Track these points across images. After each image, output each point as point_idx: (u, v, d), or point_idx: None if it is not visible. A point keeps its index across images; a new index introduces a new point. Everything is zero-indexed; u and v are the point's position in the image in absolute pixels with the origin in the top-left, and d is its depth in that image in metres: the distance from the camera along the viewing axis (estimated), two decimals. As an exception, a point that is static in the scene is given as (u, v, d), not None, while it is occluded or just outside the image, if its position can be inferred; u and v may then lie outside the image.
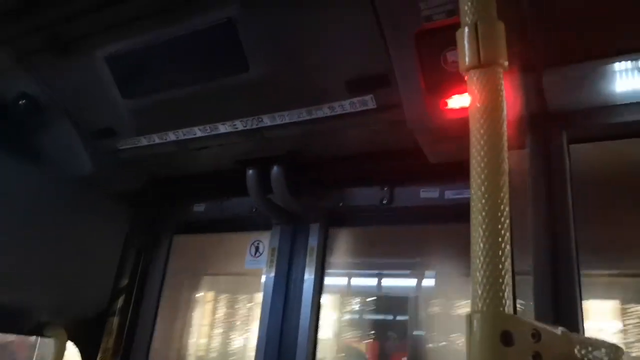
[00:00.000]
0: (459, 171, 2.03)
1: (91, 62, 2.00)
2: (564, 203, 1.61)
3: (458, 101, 1.55)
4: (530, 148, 1.70)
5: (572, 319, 1.42)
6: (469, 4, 0.83)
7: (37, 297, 2.30)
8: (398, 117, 1.73)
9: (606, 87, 1.64)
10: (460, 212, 2.12)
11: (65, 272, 2.38)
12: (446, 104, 1.57)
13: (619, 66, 1.59)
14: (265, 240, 2.60)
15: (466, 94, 1.51)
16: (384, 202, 2.26)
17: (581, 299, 1.49)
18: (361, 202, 2.34)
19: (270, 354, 2.27)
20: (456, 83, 1.52)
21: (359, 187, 2.35)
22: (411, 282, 2.46)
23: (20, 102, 2.23)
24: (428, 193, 2.18)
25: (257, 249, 2.62)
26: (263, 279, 2.50)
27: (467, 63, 0.84)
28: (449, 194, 2.14)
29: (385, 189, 2.27)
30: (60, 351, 2.39)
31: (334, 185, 2.39)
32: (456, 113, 1.57)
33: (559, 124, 1.72)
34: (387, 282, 2.57)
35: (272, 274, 2.41)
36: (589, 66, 1.59)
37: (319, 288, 2.34)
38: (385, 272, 2.50)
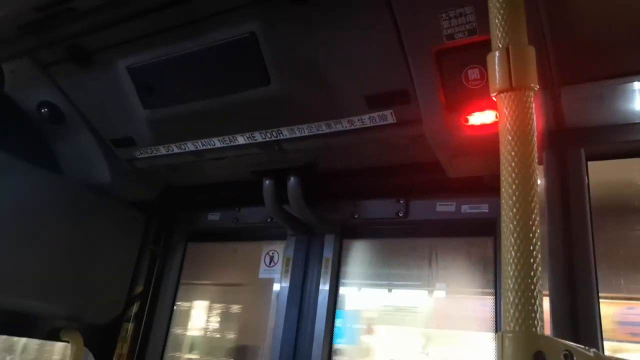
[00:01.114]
0: (475, 186, 2.06)
1: (113, 73, 2.04)
2: (583, 220, 1.62)
3: (479, 118, 1.56)
4: (546, 164, 1.71)
5: (592, 339, 1.42)
6: (501, 28, 0.85)
7: (53, 302, 2.33)
8: (417, 132, 1.75)
9: (624, 105, 1.65)
10: (476, 226, 2.16)
11: (81, 278, 2.41)
12: (467, 120, 1.58)
13: (637, 85, 1.60)
14: (280, 250, 2.61)
15: (487, 112, 1.53)
16: (400, 214, 2.28)
17: (600, 318, 1.49)
18: (377, 215, 2.36)
19: (285, 364, 2.28)
20: (477, 100, 1.54)
21: (375, 199, 2.36)
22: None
23: (42, 111, 2.27)
24: (444, 207, 2.19)
25: (271, 258, 2.64)
26: (277, 288, 2.52)
27: (498, 86, 0.86)
28: (466, 208, 2.15)
29: (402, 201, 2.29)
30: (77, 356, 2.42)
31: (350, 197, 2.41)
32: (477, 130, 1.58)
33: (577, 141, 1.73)
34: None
35: (287, 284, 2.43)
36: (607, 85, 1.60)
37: (334, 299, 2.36)
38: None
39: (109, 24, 1.88)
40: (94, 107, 2.26)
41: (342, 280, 2.43)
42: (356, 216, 2.39)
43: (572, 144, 1.72)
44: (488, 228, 2.12)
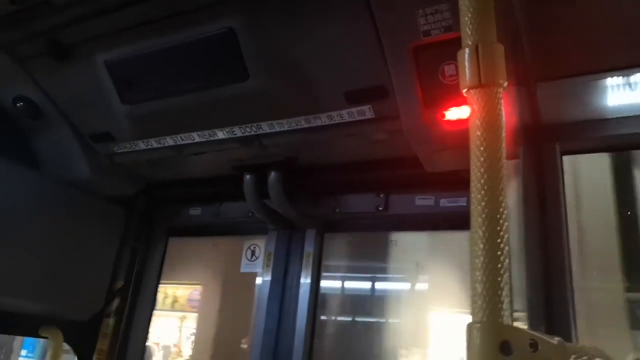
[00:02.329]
0: (454, 180, 2.09)
1: (91, 67, 2.02)
2: (558, 213, 1.65)
3: (455, 113, 1.58)
4: (523, 159, 1.74)
5: (565, 329, 1.46)
6: (470, 26, 0.86)
7: (32, 299, 2.31)
8: (395, 127, 1.77)
9: (598, 101, 1.69)
10: (455, 220, 2.19)
11: (61, 273, 2.39)
12: (443, 115, 1.60)
13: (611, 81, 1.64)
14: (261, 244, 2.62)
15: (463, 107, 1.56)
16: (380, 208, 2.30)
17: (574, 309, 1.53)
18: (357, 209, 2.37)
19: (266, 357, 2.29)
20: (453, 96, 1.56)
21: (355, 193, 2.38)
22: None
23: (18, 105, 2.24)
24: (423, 201, 2.22)
25: (253, 252, 2.64)
26: (259, 281, 2.53)
27: (467, 82, 0.87)
28: (444, 202, 2.18)
29: (381, 196, 2.31)
30: (56, 352, 2.41)
31: (331, 192, 2.43)
32: (453, 125, 1.60)
33: (552, 136, 1.76)
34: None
35: (268, 278, 2.44)
36: (581, 81, 1.63)
37: (315, 293, 2.38)
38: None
39: (86, 18, 1.86)
40: (71, 101, 2.23)
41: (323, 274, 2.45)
42: (337, 210, 2.41)
43: (547, 139, 1.75)
44: (467, 221, 2.14)
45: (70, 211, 2.47)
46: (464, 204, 2.16)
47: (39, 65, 2.11)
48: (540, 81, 1.65)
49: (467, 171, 2.05)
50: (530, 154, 1.74)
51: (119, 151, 2.36)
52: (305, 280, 2.39)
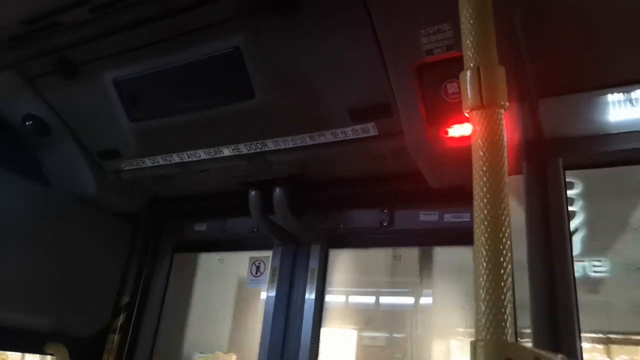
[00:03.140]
0: (458, 195, 2.09)
1: (99, 86, 2.05)
2: (562, 228, 1.66)
3: (458, 130, 1.60)
4: (526, 174, 1.75)
5: (571, 345, 1.46)
6: (472, 49, 0.88)
7: (38, 315, 2.32)
8: (399, 144, 1.79)
9: (599, 117, 1.70)
10: (459, 235, 2.20)
11: (67, 289, 2.40)
12: (446, 132, 1.62)
13: (612, 97, 1.65)
14: (266, 260, 2.63)
15: (466, 124, 1.57)
16: (384, 224, 2.31)
17: (579, 327, 1.53)
18: (361, 224, 2.39)
19: (271, 373, 2.30)
20: (456, 113, 1.58)
21: (360, 209, 2.40)
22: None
23: (27, 123, 2.27)
24: (428, 216, 2.23)
25: (258, 268, 2.65)
26: (264, 296, 2.53)
27: (469, 103, 0.89)
28: (449, 217, 2.19)
29: (386, 211, 2.32)
30: (61, 369, 2.41)
31: (335, 207, 2.44)
32: (456, 141, 1.62)
33: (555, 151, 1.77)
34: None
35: (273, 293, 2.45)
36: (583, 97, 1.65)
37: (319, 308, 2.38)
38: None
39: (94, 37, 1.90)
40: (79, 119, 2.27)
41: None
42: (341, 226, 2.42)
43: (550, 155, 1.76)
44: (471, 236, 2.15)
45: (77, 226, 2.49)
46: (468, 219, 2.16)
47: (48, 84, 2.15)
48: (542, 97, 1.67)
49: (471, 186, 2.07)
50: (534, 169, 1.76)
51: (125, 168, 2.39)
52: (310, 296, 2.39)
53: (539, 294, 1.59)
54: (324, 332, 2.36)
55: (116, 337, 2.66)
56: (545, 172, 1.75)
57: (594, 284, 2.10)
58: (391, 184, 2.23)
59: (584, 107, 1.69)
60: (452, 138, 1.63)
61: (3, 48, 2.00)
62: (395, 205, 2.33)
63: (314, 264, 2.44)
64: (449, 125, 1.61)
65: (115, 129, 2.18)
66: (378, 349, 2.84)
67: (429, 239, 2.31)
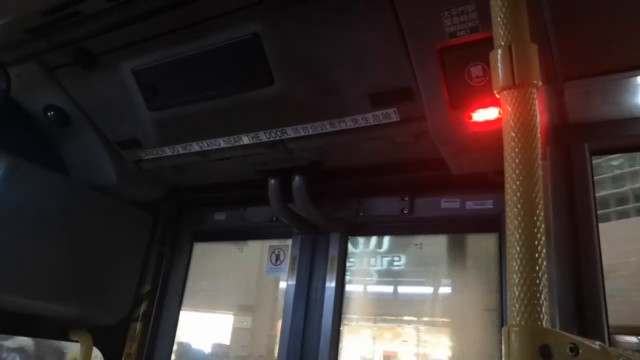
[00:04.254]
0: (480, 181, 2.07)
1: (118, 75, 2.06)
2: (588, 215, 1.62)
3: (482, 115, 1.57)
4: (551, 160, 1.71)
5: (599, 331, 1.43)
6: (503, 26, 0.85)
7: (62, 303, 2.35)
8: (421, 130, 1.76)
9: (628, 100, 1.66)
10: (481, 222, 2.17)
11: (89, 278, 2.43)
12: (470, 117, 1.59)
13: (640, 80, 1.60)
14: (286, 248, 2.63)
15: (490, 108, 1.54)
16: (405, 211, 2.28)
17: (607, 312, 1.50)
18: (381, 212, 2.37)
19: (293, 360, 2.30)
20: (480, 97, 1.55)
21: (380, 197, 2.37)
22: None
23: (48, 114, 2.29)
24: (449, 203, 2.20)
25: (277, 256, 2.65)
26: (283, 285, 2.53)
27: (500, 83, 0.87)
28: (470, 204, 2.16)
29: (406, 199, 2.30)
30: (86, 355, 2.45)
31: (354, 195, 2.42)
32: (480, 126, 1.59)
33: (581, 136, 1.73)
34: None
35: (293, 282, 2.45)
36: (610, 79, 1.60)
37: (340, 296, 2.37)
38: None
39: (113, 27, 1.90)
40: (99, 109, 2.28)
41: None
42: (361, 214, 2.40)
43: (576, 140, 1.73)
44: (493, 224, 2.13)
45: (98, 216, 2.51)
46: (491, 206, 2.13)
47: (68, 74, 2.16)
48: (568, 80, 1.63)
49: (494, 173, 2.03)
50: (559, 154, 1.72)
51: (145, 157, 2.39)
52: (330, 284, 2.38)
53: (566, 280, 1.56)
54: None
55: (138, 325, 2.70)
56: (571, 158, 1.71)
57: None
58: (411, 171, 2.20)
59: (611, 89, 1.64)
60: (476, 123, 1.60)
61: (23, 40, 2.02)
62: (416, 192, 2.30)
63: (333, 252, 2.43)
64: (473, 110, 1.58)
65: (135, 119, 2.19)
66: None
67: (450, 226, 2.28)
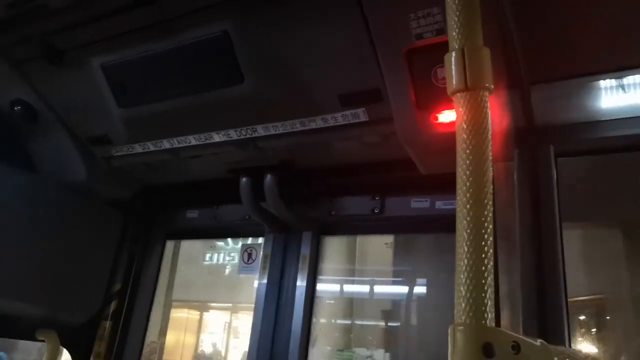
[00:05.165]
0: (449, 182, 2.06)
1: (87, 71, 2.03)
2: (552, 216, 1.65)
3: (448, 116, 1.59)
4: (517, 162, 1.74)
5: (558, 332, 1.46)
6: (457, 30, 0.87)
7: (30, 301, 2.31)
8: (390, 130, 1.77)
9: (592, 103, 1.69)
10: (450, 222, 2.17)
11: (58, 276, 2.39)
12: (436, 118, 1.61)
13: (604, 84, 1.64)
14: (258, 247, 2.63)
15: (455, 109, 1.56)
16: (376, 211, 2.30)
17: (568, 313, 1.53)
18: (353, 211, 2.38)
19: (262, 358, 2.30)
20: (446, 98, 1.54)
21: (351, 196, 2.38)
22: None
23: (15, 109, 2.25)
24: (419, 203, 2.22)
25: (250, 255, 2.65)
26: (255, 284, 2.53)
27: (454, 86, 0.88)
28: (440, 204, 2.18)
29: (377, 198, 2.31)
30: (53, 355, 2.41)
31: (326, 195, 2.43)
32: (446, 127, 1.61)
33: (546, 138, 1.76)
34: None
35: (265, 280, 2.44)
36: (575, 83, 1.64)
37: (310, 295, 2.38)
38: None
39: (81, 22, 1.88)
40: (68, 105, 2.25)
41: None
42: (332, 213, 2.41)
43: (541, 142, 1.76)
44: (462, 224, 2.15)
45: (67, 214, 2.47)
46: (460, 207, 2.15)
47: (36, 69, 2.12)
48: (533, 84, 1.66)
49: (462, 173, 2.04)
50: (525, 156, 1.75)
51: (116, 154, 2.37)
52: (302, 283, 2.39)
53: (528, 280, 1.59)
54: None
55: (108, 323, 2.66)
56: (536, 160, 1.74)
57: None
58: (382, 171, 2.21)
59: (576, 93, 1.68)
60: (442, 124, 1.62)
61: None
62: (387, 192, 2.31)
63: (305, 251, 2.43)
64: (439, 111, 1.59)
65: (105, 115, 2.16)
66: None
67: (420, 225, 2.30)
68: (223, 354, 5.97)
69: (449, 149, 1.71)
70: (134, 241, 2.82)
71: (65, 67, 2.05)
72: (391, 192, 2.30)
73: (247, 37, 1.74)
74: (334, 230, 2.51)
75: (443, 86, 1.56)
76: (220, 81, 1.86)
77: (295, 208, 2.39)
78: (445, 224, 2.20)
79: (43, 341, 2.45)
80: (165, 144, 2.22)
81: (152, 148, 2.27)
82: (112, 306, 2.69)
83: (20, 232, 2.24)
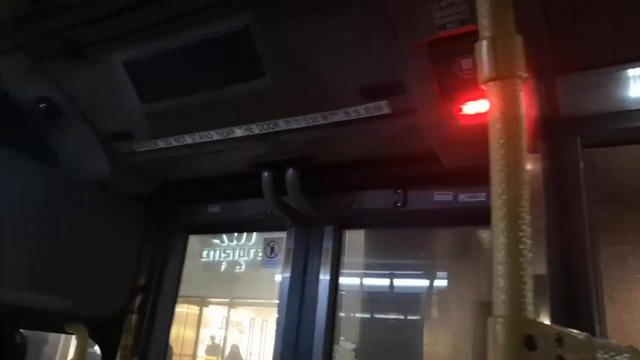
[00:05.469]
0: (473, 175, 2.05)
1: (109, 67, 2.04)
2: (579, 207, 1.63)
3: (472, 107, 1.57)
4: (543, 153, 1.72)
5: (588, 323, 1.44)
6: (488, 18, 0.85)
7: (57, 295, 2.34)
8: (413, 122, 1.76)
9: (619, 92, 1.66)
10: (474, 215, 2.17)
11: (84, 270, 2.42)
12: (460, 110, 1.59)
13: (632, 72, 1.61)
14: (280, 241, 2.63)
15: (481, 100, 1.54)
16: (398, 204, 2.28)
17: (597, 303, 1.51)
18: (375, 205, 2.36)
19: (287, 353, 2.31)
20: (470, 90, 1.54)
21: (373, 189, 2.37)
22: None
23: (39, 105, 2.28)
24: (442, 196, 2.20)
25: (272, 249, 2.66)
26: (279, 278, 2.54)
27: (485, 75, 0.87)
28: (463, 197, 2.16)
29: (399, 191, 2.29)
30: (82, 348, 2.45)
31: (348, 188, 2.42)
32: (470, 119, 1.59)
33: (572, 129, 1.74)
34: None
35: (288, 274, 2.45)
36: (602, 73, 1.61)
37: (334, 289, 2.38)
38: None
39: (102, 18, 1.89)
40: (91, 100, 2.27)
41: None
42: (354, 206, 2.40)
43: (567, 133, 1.73)
44: (486, 217, 2.12)
45: (90, 209, 2.50)
46: (484, 199, 2.13)
47: (59, 66, 2.14)
48: (559, 73, 1.63)
49: (487, 166, 2.03)
50: (551, 147, 1.73)
51: (138, 150, 2.39)
52: (325, 277, 2.39)
53: (555, 272, 1.57)
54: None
55: (134, 317, 2.70)
56: (562, 151, 1.72)
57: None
58: (405, 164, 2.20)
59: (603, 82, 1.65)
60: (466, 115, 1.60)
61: (10, 29, 2.00)
62: (409, 185, 2.29)
63: (327, 244, 2.43)
64: (463, 102, 1.58)
65: (127, 111, 2.18)
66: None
67: (443, 219, 2.28)
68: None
69: (474, 142, 1.70)
70: (156, 236, 2.85)
71: (88, 63, 2.07)
72: (413, 185, 2.28)
73: (268, 31, 1.74)
74: (355, 224, 2.51)
75: (467, 77, 1.54)
76: (242, 75, 1.86)
77: (317, 202, 2.39)
78: (469, 217, 2.22)
79: (72, 334, 2.49)
80: (187, 139, 2.23)
81: (174, 143, 2.28)
82: (138, 300, 2.73)
83: (45, 227, 2.27)
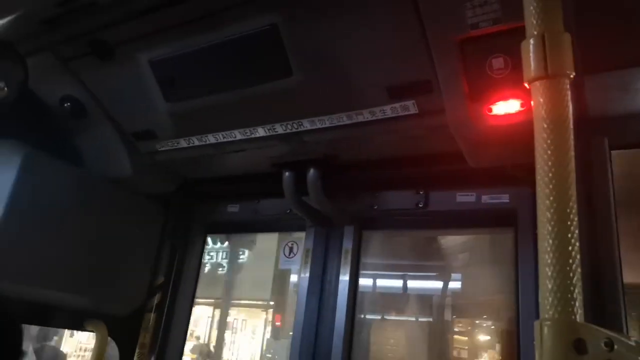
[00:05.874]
0: (496, 176, 2.05)
1: (135, 66, 2.05)
2: (607, 210, 1.61)
3: (503, 107, 1.55)
4: None
5: (616, 322, 1.43)
6: (536, 15, 0.84)
7: (77, 293, 2.36)
8: (439, 122, 1.74)
9: (649, 93, 1.63)
10: (497, 217, 2.15)
11: (104, 268, 2.44)
12: (490, 110, 1.57)
13: (662, 73, 1.58)
14: (299, 241, 2.63)
15: (511, 101, 1.53)
16: (420, 205, 2.27)
17: (625, 307, 1.49)
18: (396, 206, 2.35)
19: (306, 354, 2.30)
20: (501, 89, 1.53)
21: (394, 190, 2.35)
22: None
23: (65, 105, 2.29)
24: (465, 197, 2.18)
25: (290, 249, 2.65)
26: (295, 278, 2.53)
27: (532, 74, 0.85)
28: (486, 199, 2.14)
29: (421, 192, 2.28)
30: (101, 345, 2.47)
31: (369, 188, 2.41)
32: (500, 119, 1.58)
33: (600, 130, 1.71)
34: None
35: (307, 275, 2.44)
36: (631, 73, 1.58)
37: (354, 290, 2.37)
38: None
39: (129, 18, 1.90)
40: (115, 100, 2.28)
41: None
42: (375, 207, 2.38)
43: (595, 134, 1.71)
44: (509, 218, 2.11)
45: (111, 208, 2.52)
46: (507, 200, 2.11)
47: (85, 66, 2.16)
48: (588, 73, 1.61)
49: (512, 167, 2.01)
50: (578, 148, 1.69)
51: (161, 149, 2.39)
52: (344, 277, 2.38)
53: (585, 275, 1.54)
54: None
55: (152, 316, 2.71)
56: (590, 152, 1.70)
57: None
58: (427, 165, 2.17)
59: (632, 83, 1.62)
60: (496, 116, 1.58)
61: (38, 30, 2.02)
62: (431, 186, 2.27)
63: (347, 245, 2.42)
64: (493, 102, 1.56)
65: (151, 110, 2.19)
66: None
67: (466, 220, 2.26)
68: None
69: (503, 142, 1.70)
70: (175, 235, 2.86)
71: (113, 63, 2.08)
72: (436, 186, 2.26)
73: (295, 30, 1.73)
74: (376, 225, 2.49)
75: (498, 77, 1.53)
76: (269, 74, 1.86)
77: (337, 202, 2.38)
78: (492, 218, 2.20)
79: (92, 331, 2.51)
80: (210, 139, 2.23)
81: (196, 143, 2.28)
82: (156, 299, 2.74)
83: (67, 224, 2.28)
